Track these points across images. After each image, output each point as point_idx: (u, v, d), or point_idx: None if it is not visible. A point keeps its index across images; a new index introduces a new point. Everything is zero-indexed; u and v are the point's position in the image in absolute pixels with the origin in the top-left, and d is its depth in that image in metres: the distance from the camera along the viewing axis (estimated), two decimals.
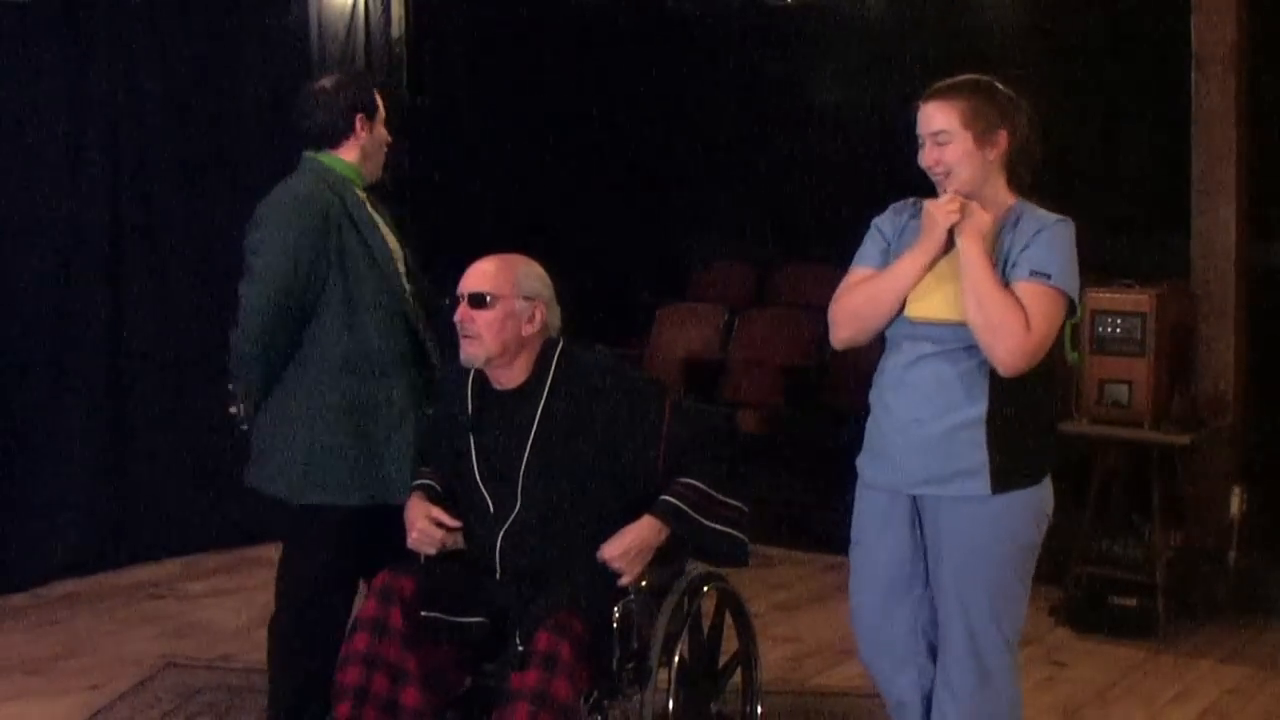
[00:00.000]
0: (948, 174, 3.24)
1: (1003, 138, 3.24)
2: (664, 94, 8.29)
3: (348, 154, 3.80)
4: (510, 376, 3.51)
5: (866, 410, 3.42)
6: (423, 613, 3.39)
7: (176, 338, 6.20)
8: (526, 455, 3.45)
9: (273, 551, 7.00)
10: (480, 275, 3.49)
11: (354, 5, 7.10)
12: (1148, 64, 6.56)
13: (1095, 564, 5.48)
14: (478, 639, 3.43)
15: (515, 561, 3.47)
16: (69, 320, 6.05)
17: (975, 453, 3.21)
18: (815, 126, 7.98)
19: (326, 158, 3.79)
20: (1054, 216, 3.25)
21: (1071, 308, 3.23)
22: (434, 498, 3.57)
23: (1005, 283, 3.17)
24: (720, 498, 3.47)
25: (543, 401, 3.46)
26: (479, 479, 3.51)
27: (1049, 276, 3.15)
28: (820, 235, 7.96)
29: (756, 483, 6.72)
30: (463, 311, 3.46)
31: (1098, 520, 5.51)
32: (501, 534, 3.47)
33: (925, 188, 3.34)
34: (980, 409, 3.21)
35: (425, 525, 3.49)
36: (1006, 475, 3.22)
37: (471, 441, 3.52)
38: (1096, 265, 6.34)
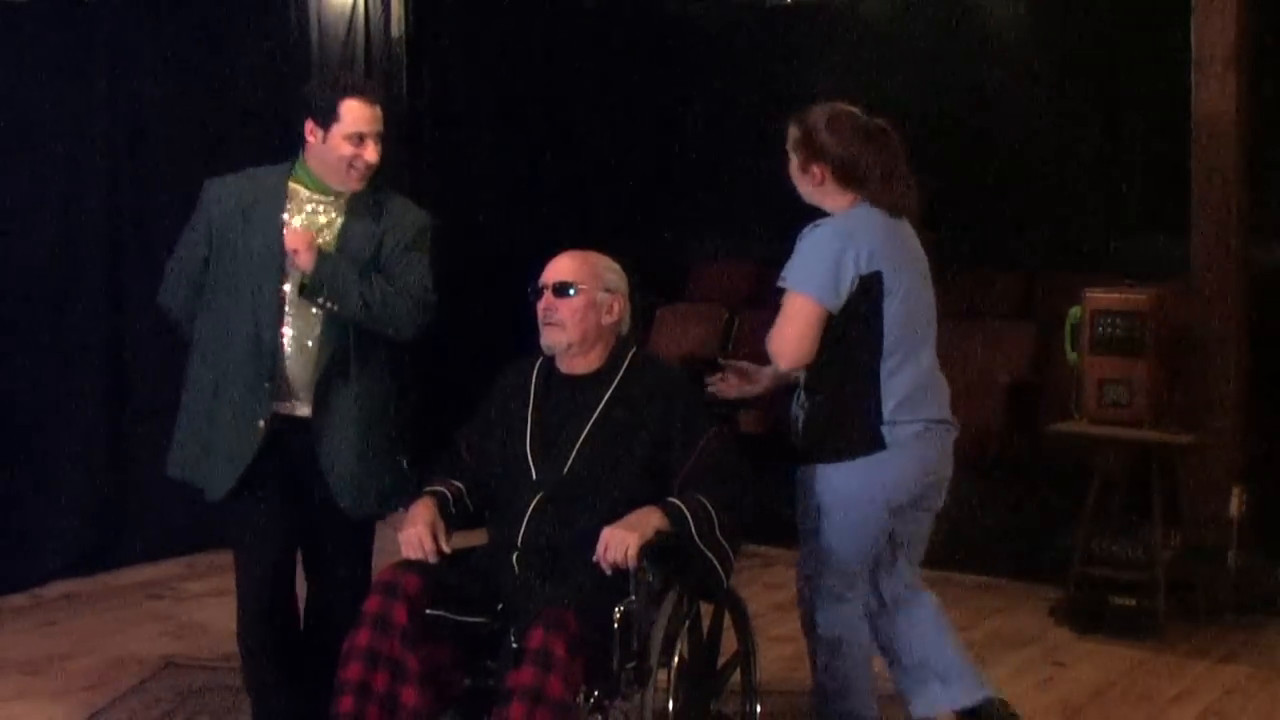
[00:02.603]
0: None
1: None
2: (664, 94, 8.29)
3: (308, 157, 3.80)
4: (584, 364, 3.68)
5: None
6: (428, 611, 3.39)
7: (176, 338, 6.19)
8: (585, 431, 3.58)
9: None
10: (564, 267, 3.67)
11: (354, 5, 7.11)
12: (1148, 64, 6.56)
13: (1095, 564, 5.47)
14: (480, 640, 3.43)
15: (539, 532, 3.51)
16: (69, 320, 6.05)
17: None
18: None
19: (301, 158, 3.82)
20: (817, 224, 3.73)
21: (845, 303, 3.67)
22: (441, 505, 3.62)
23: None
24: (718, 532, 3.50)
25: (612, 388, 3.63)
26: (528, 448, 3.61)
27: (784, 279, 3.68)
28: None
29: (756, 483, 6.77)
30: (547, 300, 3.64)
31: (1098, 520, 5.50)
32: (535, 501, 3.53)
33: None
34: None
35: (423, 534, 3.51)
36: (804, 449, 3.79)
37: (529, 416, 3.64)
38: (1097, 265, 6.38)
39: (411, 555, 3.50)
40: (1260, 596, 5.58)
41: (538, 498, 3.55)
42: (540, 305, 3.66)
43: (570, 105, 7.97)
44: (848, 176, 3.72)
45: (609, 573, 3.37)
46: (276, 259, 3.71)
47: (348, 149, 3.72)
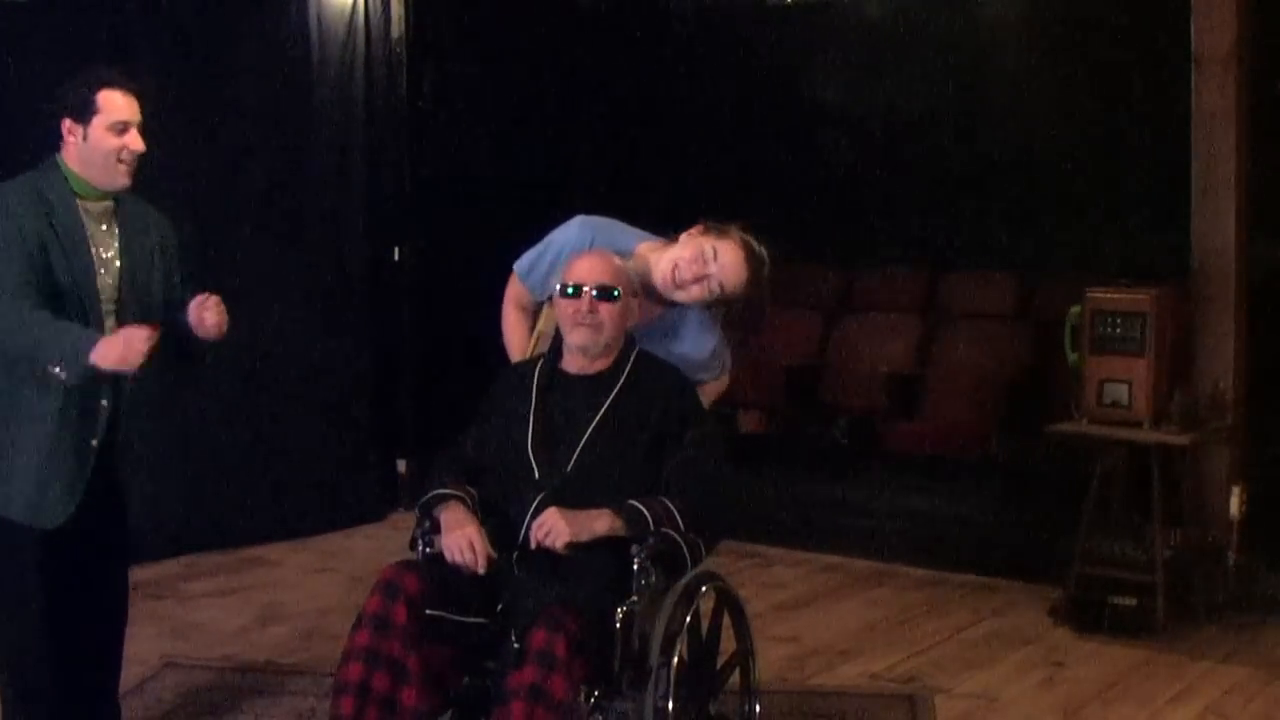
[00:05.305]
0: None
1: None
2: (663, 94, 8.29)
3: (69, 159, 3.66)
4: (597, 364, 3.67)
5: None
6: (428, 611, 3.39)
7: None
8: (590, 431, 3.58)
9: (273, 552, 7.00)
10: (603, 270, 3.66)
11: (354, 5, 7.10)
12: (1148, 64, 6.57)
13: (1095, 564, 5.48)
14: (481, 640, 3.43)
15: None
16: None
17: None
18: (815, 126, 7.99)
19: (61, 160, 3.68)
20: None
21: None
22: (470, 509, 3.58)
23: None
24: (682, 530, 3.47)
25: (617, 388, 3.63)
26: (530, 447, 3.59)
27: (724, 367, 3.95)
28: (820, 235, 7.98)
29: (757, 482, 6.78)
30: (589, 303, 3.60)
31: (1098, 520, 5.51)
32: (537, 501, 3.51)
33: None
34: None
35: (474, 536, 3.45)
36: None
37: (531, 415, 3.63)
38: (1097, 265, 6.37)
39: (459, 559, 3.44)
40: (1260, 596, 5.59)
41: (540, 498, 3.53)
42: (580, 306, 3.60)
43: (570, 105, 7.97)
44: None
45: (533, 545, 3.40)
46: (93, 280, 3.62)
47: (113, 140, 3.63)
